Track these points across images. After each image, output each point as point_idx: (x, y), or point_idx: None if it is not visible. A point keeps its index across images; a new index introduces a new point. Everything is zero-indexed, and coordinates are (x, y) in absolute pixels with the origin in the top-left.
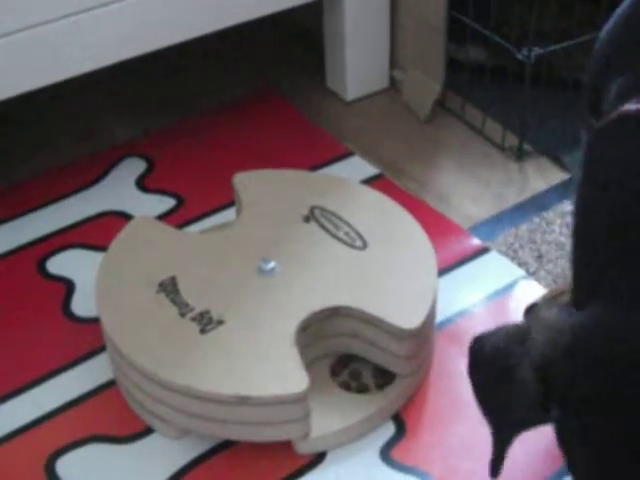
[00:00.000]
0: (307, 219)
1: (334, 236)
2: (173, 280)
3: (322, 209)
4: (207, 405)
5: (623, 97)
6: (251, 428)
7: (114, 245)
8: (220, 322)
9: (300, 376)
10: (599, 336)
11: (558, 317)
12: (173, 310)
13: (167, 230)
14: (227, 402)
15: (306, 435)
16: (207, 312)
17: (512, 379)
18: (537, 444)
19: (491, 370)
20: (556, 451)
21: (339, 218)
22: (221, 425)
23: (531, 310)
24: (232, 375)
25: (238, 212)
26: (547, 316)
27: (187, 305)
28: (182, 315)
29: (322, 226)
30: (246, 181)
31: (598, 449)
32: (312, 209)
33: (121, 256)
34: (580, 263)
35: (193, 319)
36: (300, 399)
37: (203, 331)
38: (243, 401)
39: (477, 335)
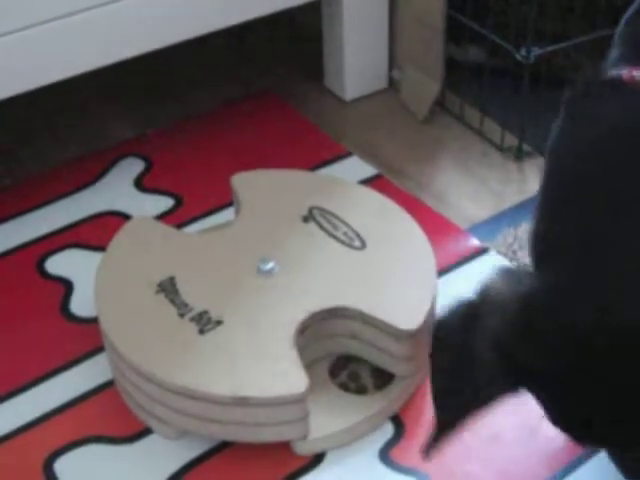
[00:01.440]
0: (306, 219)
1: (333, 236)
2: (172, 280)
3: (321, 209)
4: (206, 406)
5: (612, 67)
6: (250, 429)
7: (112, 245)
8: (219, 322)
9: (300, 376)
10: (545, 306)
11: (508, 288)
12: (172, 310)
13: (165, 230)
14: (226, 403)
15: (305, 436)
16: (206, 312)
17: (472, 357)
18: (537, 445)
19: (452, 352)
20: (556, 452)
21: (338, 218)
22: (219, 426)
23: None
24: (231, 376)
25: (237, 212)
26: (497, 287)
27: (186, 305)
28: (181, 315)
29: (321, 226)
30: (244, 181)
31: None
32: (311, 209)
33: (120, 256)
34: (535, 227)
35: (192, 319)
36: (300, 400)
37: (202, 331)
38: (242, 402)
39: (438, 319)
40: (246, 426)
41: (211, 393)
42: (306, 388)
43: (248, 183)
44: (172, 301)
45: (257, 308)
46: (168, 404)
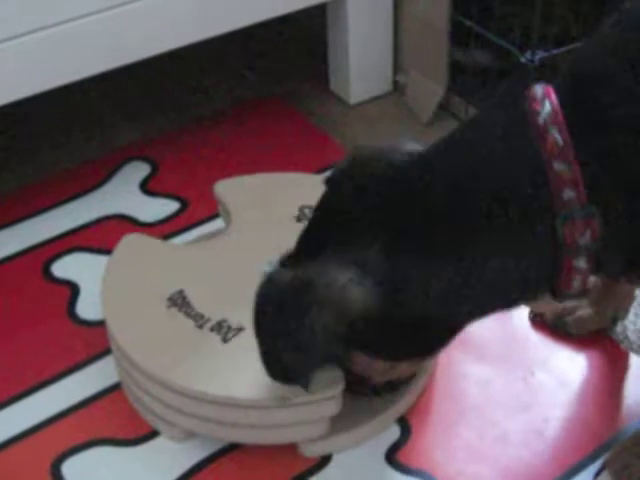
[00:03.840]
0: (299, 219)
1: None
2: (181, 293)
3: (312, 208)
4: (218, 409)
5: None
6: (258, 431)
7: (111, 266)
8: (240, 329)
9: (335, 375)
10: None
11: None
12: (189, 323)
13: (160, 244)
14: (266, 407)
15: (312, 438)
16: (224, 321)
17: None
18: (543, 446)
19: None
20: (562, 453)
21: None
22: (228, 428)
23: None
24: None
25: (226, 220)
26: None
27: (202, 317)
28: (200, 327)
29: None
30: (228, 188)
31: None
32: (302, 208)
33: (122, 276)
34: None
35: (212, 329)
36: (332, 397)
37: (225, 340)
38: (283, 403)
39: (260, 288)
40: (255, 428)
41: (254, 399)
42: (340, 387)
43: (232, 190)
44: (187, 314)
45: None
46: (180, 408)
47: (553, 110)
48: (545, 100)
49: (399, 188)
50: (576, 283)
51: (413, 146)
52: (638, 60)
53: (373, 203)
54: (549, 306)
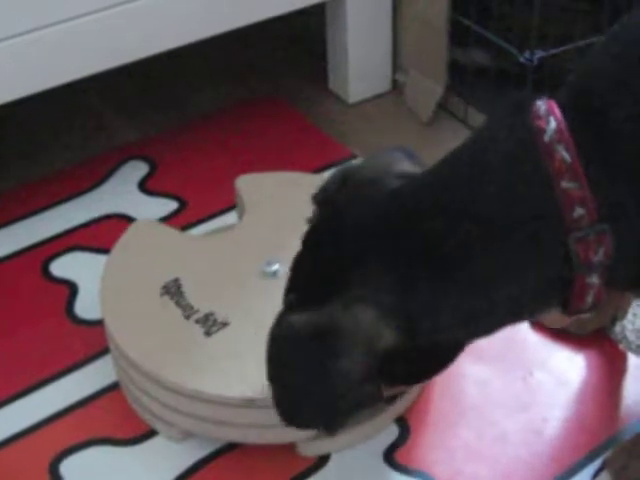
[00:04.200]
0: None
1: None
2: (177, 282)
3: None
4: (214, 408)
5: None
6: (256, 430)
7: (117, 248)
8: (224, 324)
9: None
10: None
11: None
12: (177, 313)
13: (169, 232)
14: (234, 405)
15: (310, 437)
16: (212, 314)
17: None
18: (542, 446)
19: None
20: (561, 453)
21: None
22: (226, 428)
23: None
24: (239, 378)
25: (240, 215)
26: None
27: (192, 307)
28: (187, 317)
29: None
30: (248, 183)
31: None
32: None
33: (124, 259)
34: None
35: (197, 321)
36: None
37: (208, 333)
38: (250, 404)
39: (274, 337)
40: (252, 428)
41: (220, 396)
42: None
43: (252, 185)
44: (178, 303)
45: (263, 309)
46: (176, 407)
47: (558, 127)
48: (550, 117)
49: (403, 217)
50: (589, 298)
51: (407, 164)
52: None
53: (378, 235)
54: (558, 318)
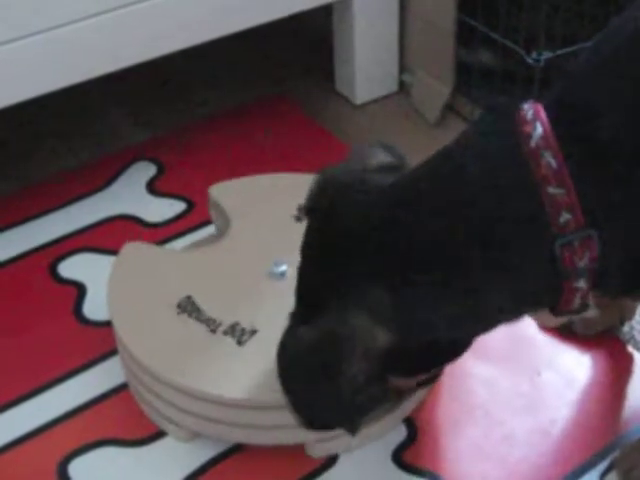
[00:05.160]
0: (298, 218)
1: None
2: (190, 299)
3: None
4: (255, 413)
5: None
6: (267, 431)
7: (114, 273)
8: (254, 331)
9: None
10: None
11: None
12: (201, 328)
13: (160, 251)
14: (278, 407)
15: (322, 438)
16: (237, 324)
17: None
18: (549, 446)
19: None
20: (568, 453)
21: None
22: (239, 429)
23: None
24: None
25: (221, 224)
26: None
27: (214, 321)
28: (213, 331)
29: None
30: (223, 192)
31: None
32: (300, 208)
33: (127, 284)
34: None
35: (225, 333)
36: None
37: (240, 343)
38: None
39: (281, 354)
40: (273, 429)
41: (268, 401)
42: None
43: (227, 193)
44: (198, 319)
45: (284, 310)
46: (213, 417)
47: (544, 133)
48: (536, 122)
49: (387, 221)
50: (576, 301)
51: (383, 156)
52: (634, 77)
53: (364, 239)
54: (550, 318)
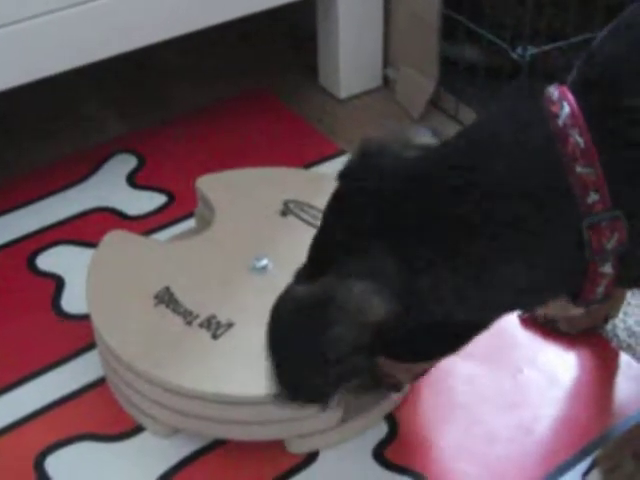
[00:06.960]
0: (283, 213)
1: (314, 226)
2: (168, 290)
3: (296, 202)
4: (227, 408)
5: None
6: (246, 427)
7: (95, 264)
8: (230, 325)
9: None
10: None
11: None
12: (178, 320)
13: (143, 241)
14: (258, 403)
15: (303, 433)
16: (214, 317)
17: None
18: (532, 444)
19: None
20: (550, 452)
21: (314, 208)
22: (218, 425)
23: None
24: (260, 375)
25: (205, 215)
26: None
27: (191, 313)
28: (189, 324)
29: (300, 218)
30: (211, 184)
31: None
32: (286, 203)
33: (106, 274)
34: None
35: (201, 325)
36: None
37: (215, 336)
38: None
39: (276, 306)
40: (250, 424)
41: (244, 396)
42: None
43: (215, 185)
44: (175, 310)
45: (263, 305)
46: (188, 411)
47: (572, 112)
48: (563, 102)
49: (413, 191)
50: (600, 289)
51: (425, 137)
52: None
53: (385, 208)
54: (561, 309)
